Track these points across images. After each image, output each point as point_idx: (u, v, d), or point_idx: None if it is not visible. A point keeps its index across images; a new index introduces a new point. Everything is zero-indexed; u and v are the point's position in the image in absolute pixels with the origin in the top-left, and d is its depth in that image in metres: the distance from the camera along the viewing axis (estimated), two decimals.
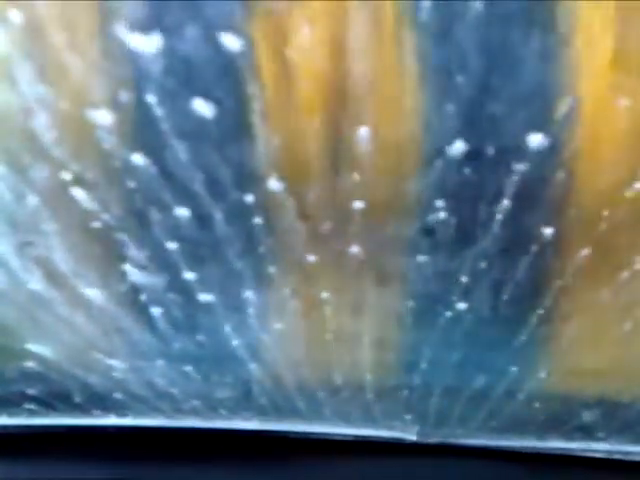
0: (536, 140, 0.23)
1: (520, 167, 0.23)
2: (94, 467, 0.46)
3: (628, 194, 0.24)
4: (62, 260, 0.28)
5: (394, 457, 0.45)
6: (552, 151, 0.23)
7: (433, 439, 0.44)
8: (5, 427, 0.44)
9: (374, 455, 0.45)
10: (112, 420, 0.44)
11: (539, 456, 0.42)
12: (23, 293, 0.30)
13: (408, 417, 0.43)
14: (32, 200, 0.25)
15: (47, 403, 0.41)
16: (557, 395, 0.37)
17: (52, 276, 0.29)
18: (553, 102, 0.22)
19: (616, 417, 0.38)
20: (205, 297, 0.30)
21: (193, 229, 0.26)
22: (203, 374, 0.37)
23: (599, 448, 0.41)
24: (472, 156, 0.23)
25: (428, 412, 0.42)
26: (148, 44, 0.21)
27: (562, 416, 0.40)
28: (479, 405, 0.39)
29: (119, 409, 0.43)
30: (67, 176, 0.24)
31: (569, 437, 0.41)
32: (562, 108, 0.22)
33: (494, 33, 0.21)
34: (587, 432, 0.40)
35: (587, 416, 0.39)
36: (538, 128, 0.23)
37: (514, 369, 0.35)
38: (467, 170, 0.23)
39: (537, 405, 0.38)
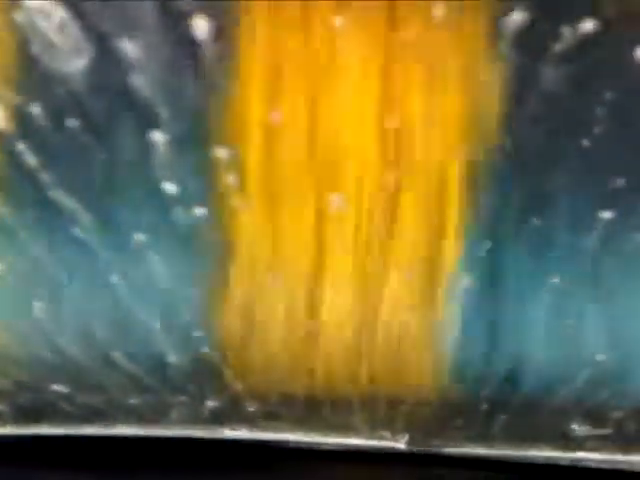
0: None
1: None
2: (82, 477, 0.47)
3: None
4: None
5: (384, 466, 0.46)
6: None
7: (423, 448, 0.45)
8: None
9: (363, 464, 0.46)
10: (99, 429, 0.46)
11: (531, 465, 0.44)
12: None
13: (397, 425, 0.44)
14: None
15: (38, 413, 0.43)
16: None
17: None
18: None
19: (607, 427, 0.40)
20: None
21: None
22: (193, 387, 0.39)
23: (590, 457, 0.43)
24: None
25: (418, 420, 0.43)
26: None
27: (553, 425, 0.41)
28: (471, 413, 0.41)
29: (108, 419, 0.45)
30: None
31: (560, 446, 0.43)
32: None
33: None
34: (578, 441, 0.42)
35: (578, 425, 0.40)
36: None
37: None
38: None
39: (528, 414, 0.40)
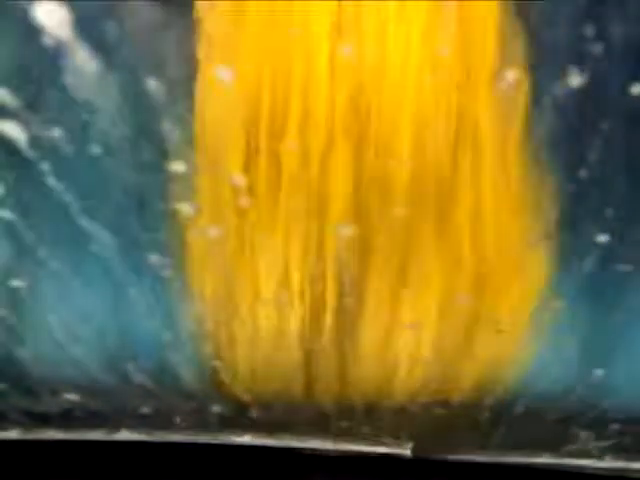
0: None
1: None
2: None
3: None
4: None
5: (388, 474, 0.47)
6: None
7: (428, 455, 0.46)
8: None
9: (368, 471, 0.48)
10: (104, 435, 0.47)
11: (535, 472, 0.45)
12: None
13: (402, 433, 0.45)
14: None
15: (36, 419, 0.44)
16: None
17: None
18: None
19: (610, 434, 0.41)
20: None
21: None
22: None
23: (593, 465, 0.44)
24: None
25: (423, 428, 0.44)
26: None
27: (557, 431, 0.42)
28: (477, 420, 0.42)
29: (111, 424, 0.46)
30: None
31: (567, 453, 0.44)
32: None
33: None
34: (581, 449, 0.43)
35: (580, 434, 0.41)
36: None
37: None
38: None
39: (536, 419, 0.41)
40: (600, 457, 0.43)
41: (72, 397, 0.40)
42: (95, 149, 0.25)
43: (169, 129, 0.24)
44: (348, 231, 0.28)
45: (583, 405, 0.38)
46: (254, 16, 0.24)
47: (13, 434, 0.46)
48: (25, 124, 0.25)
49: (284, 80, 0.25)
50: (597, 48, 0.23)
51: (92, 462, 0.49)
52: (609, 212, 0.27)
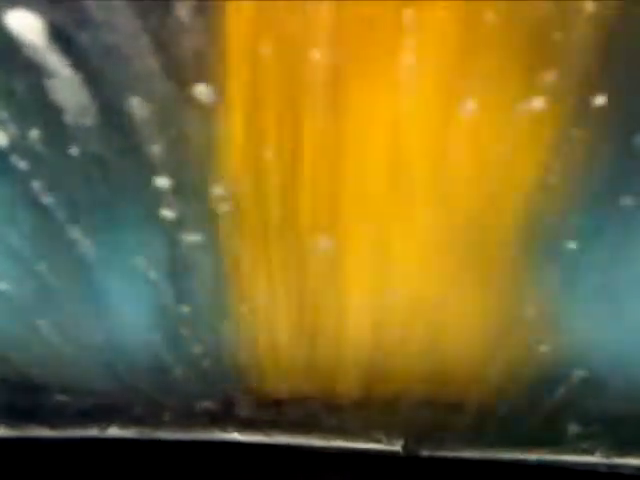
0: None
1: None
2: None
3: None
4: None
5: (379, 469, 0.48)
6: None
7: (419, 452, 0.47)
8: None
9: (359, 467, 0.48)
10: (95, 432, 0.48)
11: (528, 468, 0.45)
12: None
13: (393, 429, 0.46)
14: None
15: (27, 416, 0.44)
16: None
17: None
18: None
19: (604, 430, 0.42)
20: None
21: None
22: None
23: (587, 461, 0.44)
24: None
25: (414, 423, 0.45)
26: None
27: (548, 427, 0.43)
28: (467, 416, 0.42)
29: (101, 421, 0.46)
30: None
31: (557, 450, 0.45)
32: None
33: None
34: (571, 444, 0.43)
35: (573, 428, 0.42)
36: None
37: None
38: None
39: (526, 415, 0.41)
40: (590, 453, 0.43)
41: (60, 397, 0.40)
42: (75, 153, 0.25)
43: (152, 145, 0.24)
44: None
45: (568, 403, 0.39)
46: None
47: (1, 432, 0.46)
48: (4, 127, 0.25)
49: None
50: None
51: (83, 459, 0.49)
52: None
